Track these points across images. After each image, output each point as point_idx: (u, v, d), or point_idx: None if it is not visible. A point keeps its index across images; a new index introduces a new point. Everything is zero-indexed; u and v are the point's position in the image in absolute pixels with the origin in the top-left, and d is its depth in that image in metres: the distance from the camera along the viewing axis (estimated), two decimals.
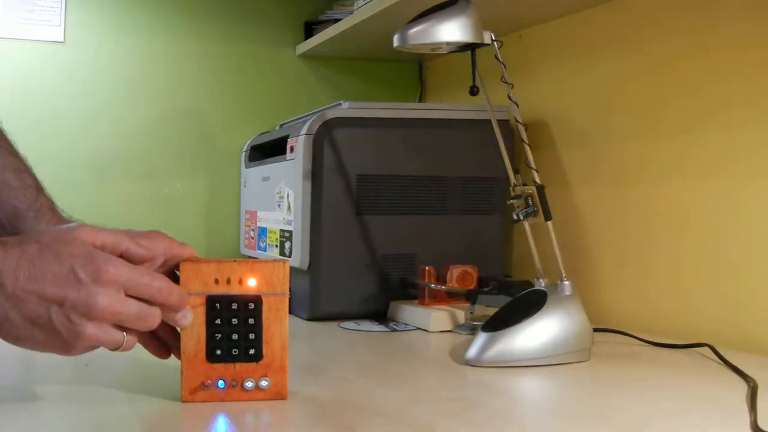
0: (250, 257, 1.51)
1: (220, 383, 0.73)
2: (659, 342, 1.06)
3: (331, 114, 1.29)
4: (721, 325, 1.09)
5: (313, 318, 1.27)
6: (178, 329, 0.72)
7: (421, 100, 1.91)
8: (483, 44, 0.99)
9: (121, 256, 0.67)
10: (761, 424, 0.67)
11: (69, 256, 0.63)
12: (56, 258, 0.63)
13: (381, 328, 1.20)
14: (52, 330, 0.62)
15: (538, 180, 1.00)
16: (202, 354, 0.72)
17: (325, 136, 1.27)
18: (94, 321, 0.63)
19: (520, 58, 1.51)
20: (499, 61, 0.99)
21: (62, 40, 1.66)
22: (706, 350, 1.00)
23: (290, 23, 1.83)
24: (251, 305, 0.73)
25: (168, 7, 1.73)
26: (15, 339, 0.63)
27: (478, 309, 1.18)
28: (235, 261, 0.73)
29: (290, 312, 0.75)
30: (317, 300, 1.27)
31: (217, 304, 0.72)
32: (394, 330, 1.19)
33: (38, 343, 0.63)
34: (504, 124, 1.32)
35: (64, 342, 0.63)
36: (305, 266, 1.27)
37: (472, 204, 1.38)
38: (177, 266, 0.73)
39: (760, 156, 1.05)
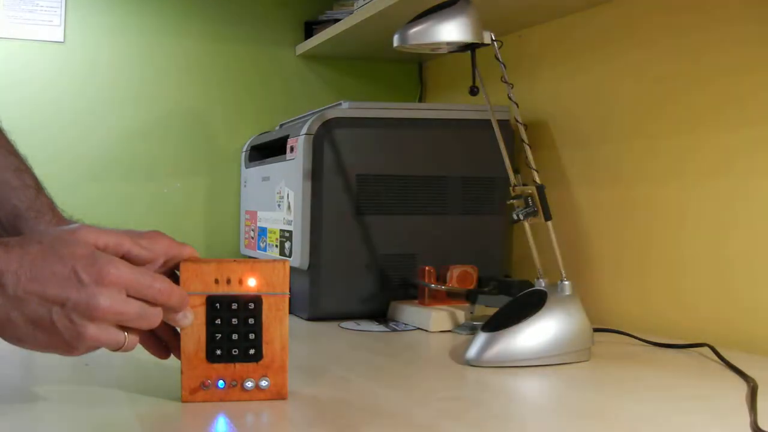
0: (250, 257, 1.51)
1: (220, 383, 0.73)
2: (659, 342, 1.06)
3: (331, 114, 1.29)
4: (721, 325, 1.09)
5: (313, 318, 1.27)
6: (178, 329, 0.72)
7: (421, 100, 1.91)
8: (483, 44, 0.99)
9: (123, 257, 0.67)
10: (761, 424, 0.67)
11: (71, 257, 0.63)
12: (58, 259, 0.63)
13: (381, 328, 1.20)
14: (54, 331, 0.62)
15: (538, 180, 1.00)
16: (202, 354, 0.72)
17: (325, 136, 1.27)
18: (96, 322, 0.63)
19: (520, 58, 1.51)
20: (499, 61, 0.99)
21: (62, 40, 1.66)
22: (706, 350, 1.00)
23: (290, 23, 1.83)
24: (251, 305, 0.73)
25: (168, 7, 1.73)
26: (17, 340, 0.63)
27: (478, 309, 1.18)
28: (235, 261, 0.73)
29: (290, 312, 0.75)
30: (317, 300, 1.27)
31: (217, 304, 0.72)
32: (394, 330, 1.19)
33: (40, 343, 0.64)
34: (504, 124, 1.32)
35: (66, 343, 0.63)
36: (305, 266, 1.27)
37: (472, 204, 1.38)
38: (177, 266, 0.73)
39: (760, 156, 1.05)
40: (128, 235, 0.69)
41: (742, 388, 0.81)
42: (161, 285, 0.67)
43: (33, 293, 0.62)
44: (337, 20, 1.65)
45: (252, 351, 0.73)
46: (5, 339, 0.63)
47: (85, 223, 0.88)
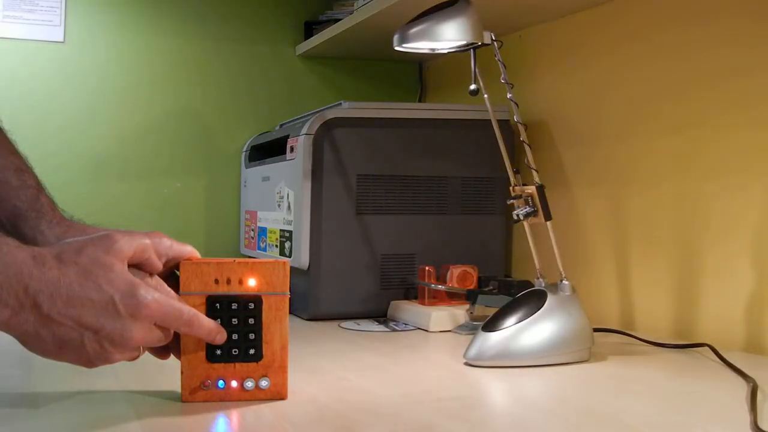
0: (250, 257, 1.51)
1: (220, 383, 0.73)
2: (659, 342, 1.06)
3: (331, 114, 1.29)
4: (721, 325, 1.09)
5: (313, 318, 1.27)
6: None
7: (421, 100, 1.91)
8: (483, 44, 0.99)
9: (141, 264, 0.69)
10: (761, 424, 0.67)
11: (109, 285, 0.64)
12: (96, 286, 0.64)
13: (381, 328, 1.20)
14: (81, 351, 0.65)
15: (538, 180, 1.00)
16: (202, 354, 0.72)
17: (325, 136, 1.27)
18: (124, 351, 0.66)
19: (520, 58, 1.51)
20: (499, 61, 0.99)
21: (62, 40, 1.66)
22: (706, 350, 1.00)
23: (290, 23, 1.83)
24: (251, 305, 0.73)
25: (168, 7, 1.73)
26: (41, 353, 0.65)
27: (478, 309, 1.18)
28: (235, 261, 0.73)
29: (290, 312, 0.75)
30: (317, 300, 1.27)
31: (217, 304, 0.72)
32: (394, 330, 1.19)
33: (62, 358, 0.65)
34: (504, 124, 1.32)
35: (89, 361, 0.66)
36: (305, 266, 1.27)
37: (472, 204, 1.38)
38: (177, 266, 0.73)
39: (759, 157, 1.05)
40: (150, 239, 0.70)
41: (742, 388, 0.81)
42: (188, 316, 0.69)
43: (68, 317, 0.63)
44: (337, 20, 1.65)
45: (252, 351, 0.73)
46: (30, 350, 0.65)
47: (87, 224, 0.89)
